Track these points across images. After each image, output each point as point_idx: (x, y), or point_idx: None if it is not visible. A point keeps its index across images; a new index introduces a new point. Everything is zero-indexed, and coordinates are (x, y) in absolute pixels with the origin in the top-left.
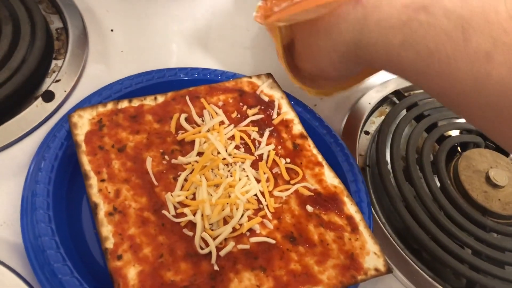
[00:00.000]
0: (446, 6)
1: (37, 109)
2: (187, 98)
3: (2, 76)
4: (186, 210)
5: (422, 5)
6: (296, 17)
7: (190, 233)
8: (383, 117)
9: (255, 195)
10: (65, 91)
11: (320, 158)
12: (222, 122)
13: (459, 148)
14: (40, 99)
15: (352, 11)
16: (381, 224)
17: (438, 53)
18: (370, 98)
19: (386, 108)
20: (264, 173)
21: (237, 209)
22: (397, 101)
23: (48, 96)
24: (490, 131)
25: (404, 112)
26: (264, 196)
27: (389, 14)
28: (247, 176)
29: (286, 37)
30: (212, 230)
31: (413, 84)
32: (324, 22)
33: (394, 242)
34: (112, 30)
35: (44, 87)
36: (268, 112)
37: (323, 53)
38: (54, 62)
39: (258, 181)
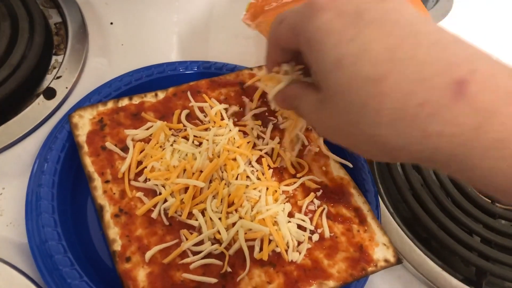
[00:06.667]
0: None
1: (38, 107)
2: (189, 93)
3: (2, 74)
4: (195, 211)
5: None
6: None
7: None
8: None
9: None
10: (66, 87)
11: (325, 149)
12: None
13: None
14: (41, 96)
15: (449, 106)
16: (389, 214)
17: None
18: None
19: None
20: (269, 168)
21: (241, 205)
22: None
23: (50, 93)
24: None
25: None
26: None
27: None
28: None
29: None
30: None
31: None
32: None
33: (402, 232)
34: (111, 23)
35: (45, 84)
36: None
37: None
38: (54, 57)
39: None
